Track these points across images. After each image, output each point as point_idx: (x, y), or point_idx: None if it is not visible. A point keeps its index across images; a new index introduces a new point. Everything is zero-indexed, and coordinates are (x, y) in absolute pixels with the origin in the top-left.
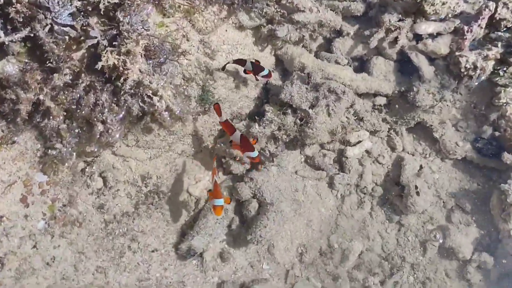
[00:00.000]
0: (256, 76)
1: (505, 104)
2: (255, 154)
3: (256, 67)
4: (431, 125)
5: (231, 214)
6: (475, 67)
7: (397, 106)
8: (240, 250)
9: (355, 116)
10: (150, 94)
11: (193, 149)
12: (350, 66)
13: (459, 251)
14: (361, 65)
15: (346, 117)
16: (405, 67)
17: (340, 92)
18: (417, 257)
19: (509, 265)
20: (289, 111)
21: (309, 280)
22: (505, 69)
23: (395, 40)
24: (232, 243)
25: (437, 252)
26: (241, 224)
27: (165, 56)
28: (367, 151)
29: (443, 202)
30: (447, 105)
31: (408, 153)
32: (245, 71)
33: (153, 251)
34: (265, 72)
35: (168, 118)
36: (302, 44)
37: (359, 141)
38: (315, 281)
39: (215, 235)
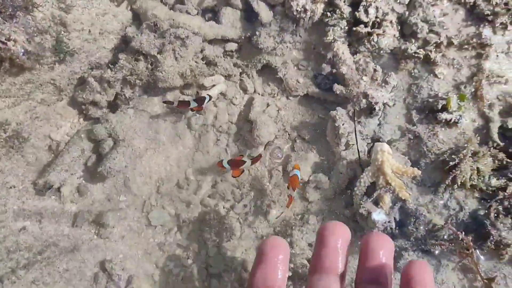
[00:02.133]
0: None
1: (333, 41)
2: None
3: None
4: (276, 66)
5: (88, 153)
6: (305, 10)
7: (245, 51)
8: (97, 185)
9: (204, 61)
10: (4, 40)
11: (53, 97)
12: (200, 16)
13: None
14: (214, 16)
15: (196, 62)
16: (250, 15)
17: (185, 37)
18: (265, 184)
19: (340, 182)
20: (141, 57)
21: (164, 208)
22: (334, 10)
23: None
24: (90, 179)
25: (282, 178)
26: (98, 162)
27: (15, 9)
28: (222, 94)
29: (288, 134)
30: (287, 46)
31: (258, 93)
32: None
33: (11, 188)
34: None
35: (28, 60)
36: None
37: (213, 85)
38: (169, 208)
39: (72, 171)
